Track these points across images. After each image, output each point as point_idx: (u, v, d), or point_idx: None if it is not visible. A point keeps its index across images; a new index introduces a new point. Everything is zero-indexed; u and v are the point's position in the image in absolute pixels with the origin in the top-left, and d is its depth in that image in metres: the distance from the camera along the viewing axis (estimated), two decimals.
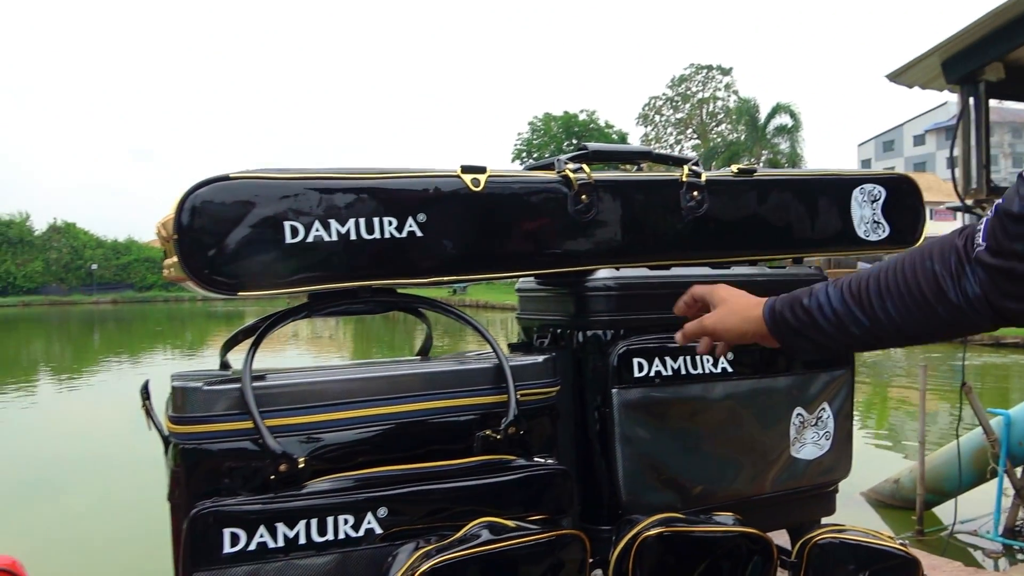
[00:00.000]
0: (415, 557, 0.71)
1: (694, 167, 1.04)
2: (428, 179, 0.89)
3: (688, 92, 36.37)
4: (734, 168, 1.08)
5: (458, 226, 0.90)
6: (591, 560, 0.91)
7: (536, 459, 0.85)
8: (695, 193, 1.03)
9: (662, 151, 1.09)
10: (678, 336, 0.86)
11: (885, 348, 0.77)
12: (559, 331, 1.03)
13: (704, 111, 36.33)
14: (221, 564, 0.71)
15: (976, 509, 3.95)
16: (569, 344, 1.01)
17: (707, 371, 1.00)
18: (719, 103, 35.89)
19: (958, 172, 2.63)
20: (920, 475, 3.84)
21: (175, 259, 0.80)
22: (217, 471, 0.75)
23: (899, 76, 2.73)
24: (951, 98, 2.72)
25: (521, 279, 1.14)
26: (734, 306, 0.80)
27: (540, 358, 0.90)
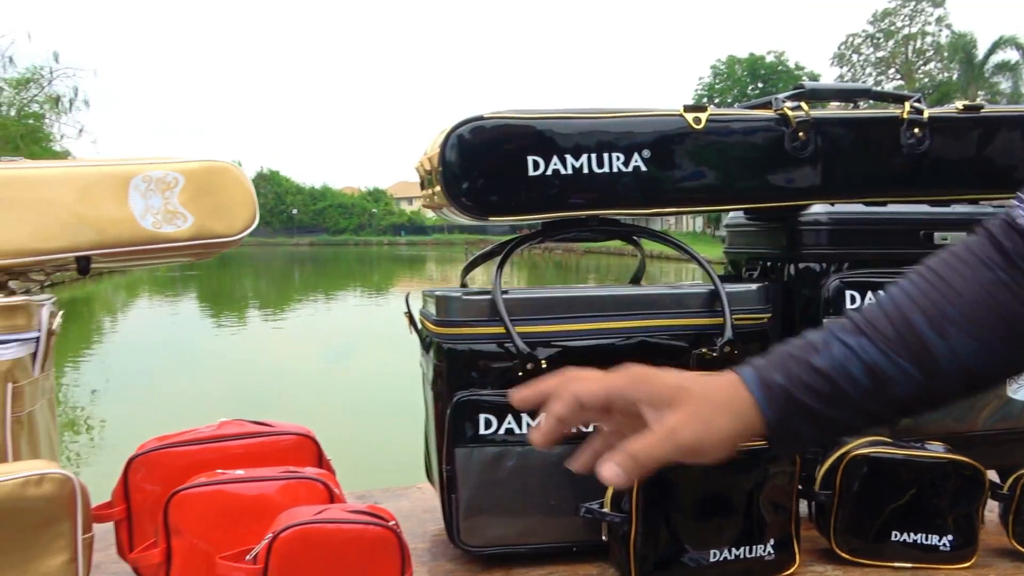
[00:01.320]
0: None
1: (916, 104, 1.04)
2: (653, 118, 0.97)
3: (892, 28, 33.22)
4: (959, 104, 1.06)
5: (679, 161, 0.97)
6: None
7: None
8: (916, 130, 1.03)
9: (881, 90, 1.09)
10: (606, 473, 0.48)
11: (937, 408, 0.53)
12: (768, 264, 1.08)
13: (910, 48, 33.09)
14: (477, 443, 0.86)
15: None
16: (780, 276, 1.06)
17: None
18: (928, 39, 32.52)
19: None
20: None
21: (438, 188, 0.94)
22: (472, 367, 0.89)
23: None
24: None
25: (730, 215, 1.20)
26: (707, 397, 0.49)
27: (753, 286, 0.97)
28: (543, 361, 0.87)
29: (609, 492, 0.81)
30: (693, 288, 0.96)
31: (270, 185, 49.37)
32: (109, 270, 1.10)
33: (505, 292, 0.92)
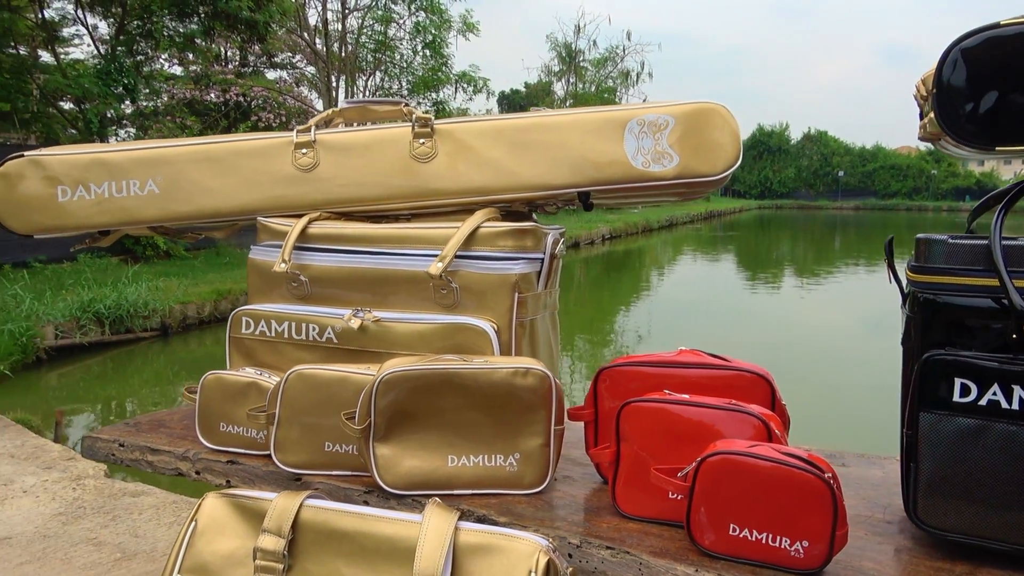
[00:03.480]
0: None
1: None
2: None
3: None
4: None
5: None
6: None
7: None
8: None
9: None
10: None
11: None
12: None
13: None
14: (948, 410, 0.73)
15: None
16: None
17: None
18: None
19: None
20: None
21: (931, 115, 0.81)
22: (953, 323, 0.76)
23: None
24: None
25: None
26: None
27: None
28: None
29: None
30: None
31: (816, 146, 47.86)
32: (608, 205, 1.23)
33: (1014, 239, 0.76)
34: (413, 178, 1.12)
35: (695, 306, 10.24)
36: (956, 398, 0.73)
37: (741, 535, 0.73)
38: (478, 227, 1.03)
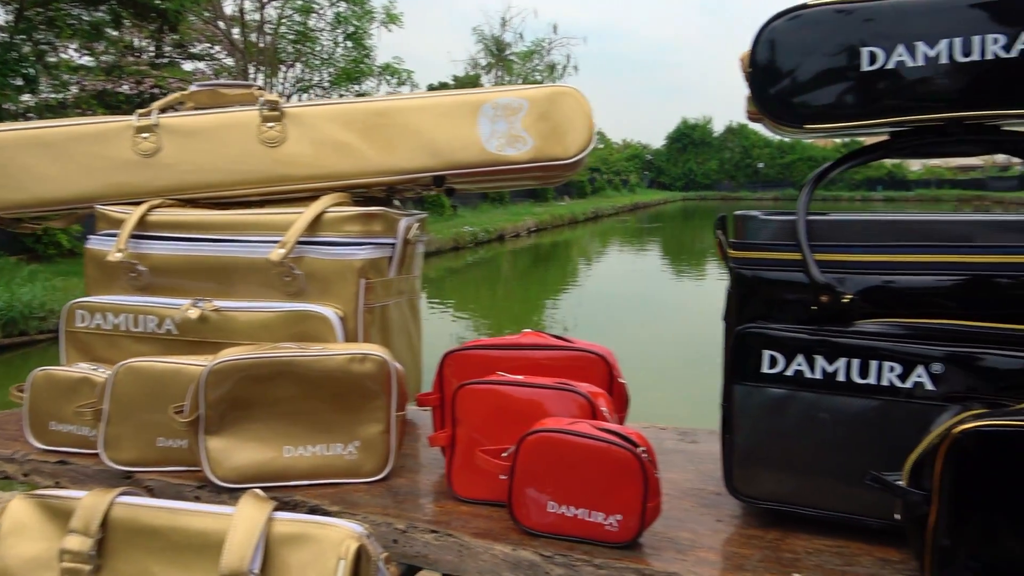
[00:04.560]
0: (963, 416, 0.62)
1: None
2: None
3: None
4: None
5: None
6: None
7: None
8: None
9: None
10: None
11: None
12: None
13: None
14: (758, 381, 0.75)
15: None
16: None
17: None
18: None
19: None
20: None
21: (748, 94, 0.83)
22: (766, 298, 0.78)
23: None
24: None
25: None
26: None
27: None
28: (847, 296, 0.72)
29: (910, 460, 0.64)
30: None
31: (738, 139, 49.19)
32: (465, 190, 1.22)
33: (821, 214, 0.78)
34: (262, 163, 1.09)
35: (621, 298, 10.39)
36: (765, 369, 0.75)
37: (560, 512, 0.73)
38: (323, 212, 1.01)
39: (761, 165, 47.62)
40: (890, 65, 0.75)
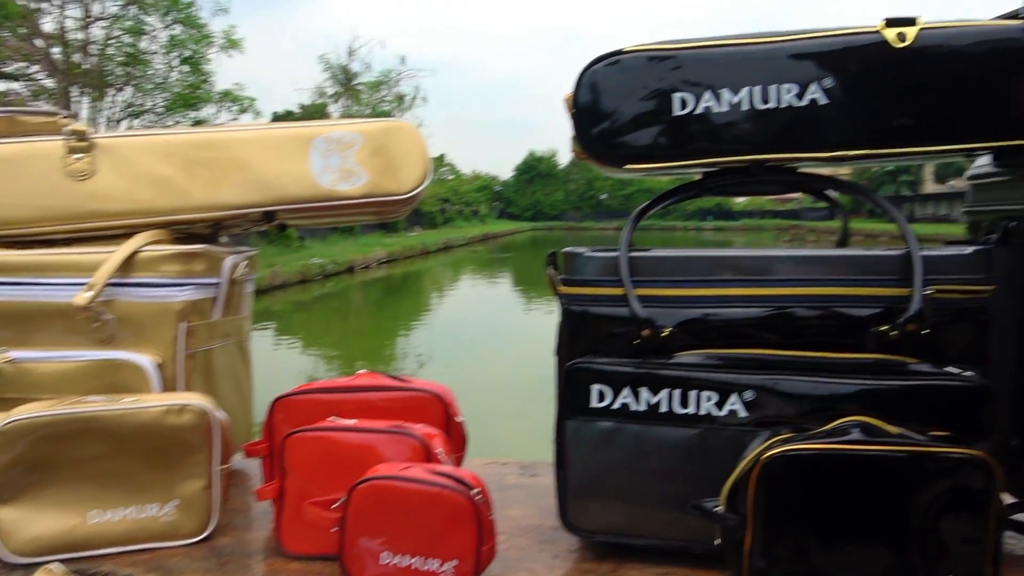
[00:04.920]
0: (772, 441, 0.66)
1: None
2: (836, 38, 0.78)
3: None
4: None
5: (873, 90, 0.77)
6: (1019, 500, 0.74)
7: (948, 369, 0.70)
8: None
9: None
10: None
11: None
12: (1013, 224, 0.82)
13: None
14: (588, 415, 0.76)
15: None
16: (1022, 239, 0.80)
17: None
18: None
19: None
20: None
21: (572, 134, 0.86)
22: (595, 332, 0.80)
23: None
24: None
25: (975, 164, 0.94)
26: None
27: (967, 250, 0.73)
28: (666, 329, 0.75)
29: (726, 486, 0.67)
30: (885, 251, 0.76)
31: (581, 171, 51.23)
32: (299, 225, 1.18)
33: (644, 250, 0.81)
34: (69, 198, 1.00)
35: (474, 328, 10.44)
36: (594, 404, 0.76)
37: (394, 562, 0.71)
38: (137, 251, 0.93)
39: (604, 196, 49.85)
40: (699, 110, 0.80)
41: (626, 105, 0.81)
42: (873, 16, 0.81)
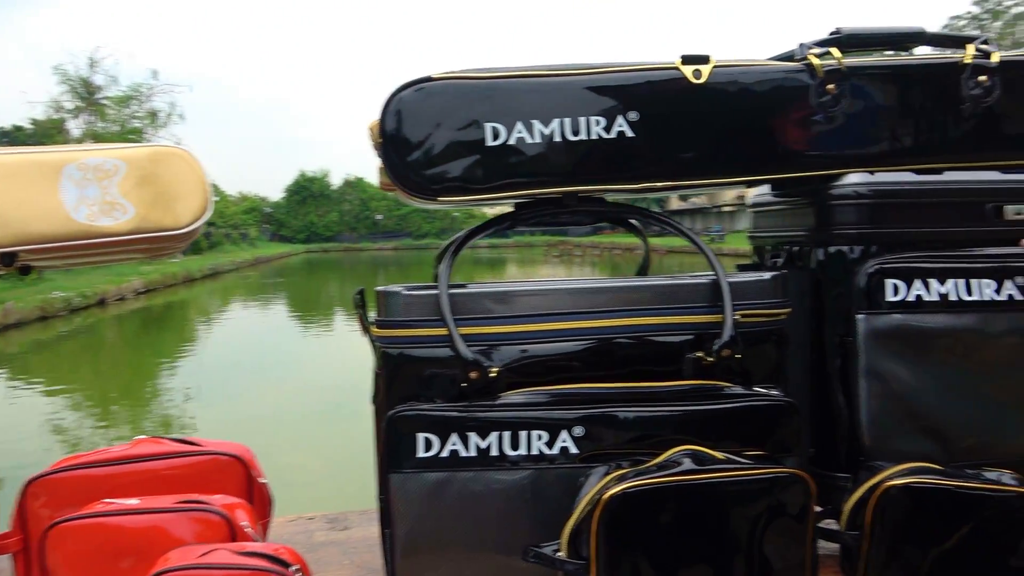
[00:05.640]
0: (608, 479, 0.64)
1: (982, 46, 0.83)
2: (639, 72, 0.80)
3: (999, 7, 31.16)
4: None
5: (675, 125, 0.80)
6: (822, 508, 0.79)
7: (757, 389, 0.74)
8: (982, 78, 0.82)
9: (937, 32, 0.88)
10: None
11: None
12: (796, 248, 0.89)
13: (1020, 28, 30.95)
14: (415, 468, 0.71)
15: None
16: (807, 263, 0.87)
17: (988, 298, 0.81)
18: None
19: None
20: None
21: (381, 165, 0.80)
22: (416, 376, 0.75)
23: None
24: None
25: (755, 192, 1.01)
26: None
27: (766, 276, 0.78)
28: (494, 369, 0.72)
29: (566, 530, 0.65)
30: (692, 279, 0.79)
31: (355, 192, 50.60)
32: (50, 267, 1.00)
33: (461, 286, 0.77)
34: None
35: (251, 358, 9.83)
36: (421, 454, 0.71)
37: None
38: None
39: (379, 217, 49.58)
40: (511, 141, 0.78)
41: (437, 134, 0.77)
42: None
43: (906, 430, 0.81)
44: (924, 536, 0.69)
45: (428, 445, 0.71)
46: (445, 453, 0.71)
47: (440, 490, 0.71)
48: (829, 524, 0.76)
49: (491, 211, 0.91)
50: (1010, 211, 0.83)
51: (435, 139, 0.77)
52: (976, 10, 31.74)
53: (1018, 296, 0.81)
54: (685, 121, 0.80)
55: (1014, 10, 30.87)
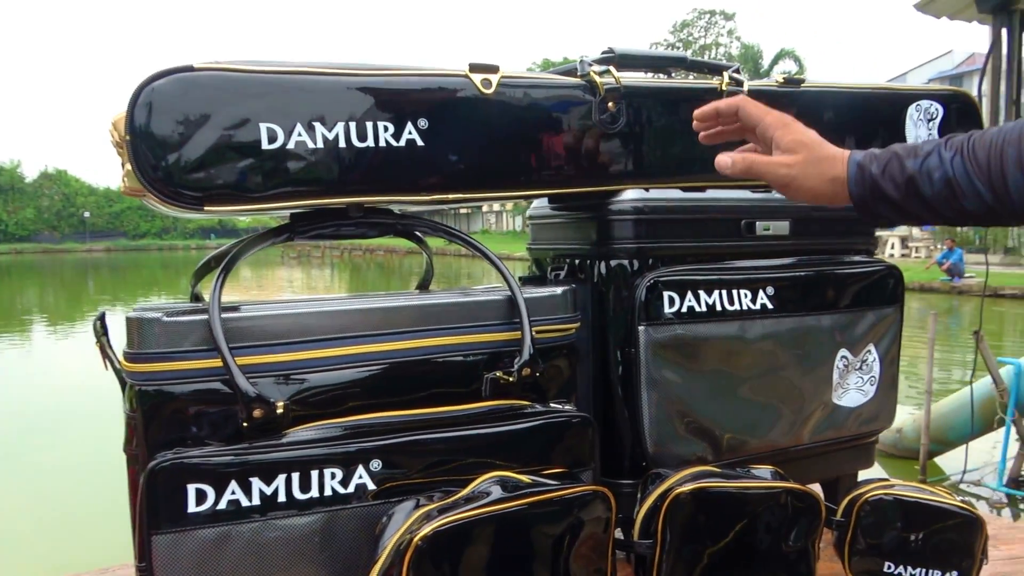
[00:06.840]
0: (414, 519, 0.59)
1: (735, 74, 0.91)
2: (431, 78, 0.75)
3: (690, 38, 35.67)
4: (779, 77, 0.95)
5: (465, 135, 0.77)
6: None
7: (553, 405, 0.74)
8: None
9: (698, 58, 0.95)
10: (720, 161, 0.69)
11: (993, 226, 0.65)
12: (577, 262, 0.91)
13: (706, 57, 35.76)
14: (185, 525, 0.60)
15: (978, 459, 3.92)
16: (589, 276, 0.89)
17: (746, 307, 0.88)
18: (721, 49, 35.24)
19: (986, 108, 2.49)
20: (925, 424, 3.78)
21: (128, 167, 0.67)
22: (181, 417, 0.64)
23: (928, 5, 2.56)
24: (956, 45, 2.60)
25: (533, 204, 1.02)
26: (817, 159, 0.64)
27: (558, 290, 0.78)
28: (280, 404, 0.63)
29: (377, 568, 0.59)
30: (487, 295, 0.76)
31: (57, 186, 44.56)
32: None
33: (233, 309, 0.67)
34: None
35: None
36: (192, 508, 0.60)
37: None
38: None
39: (87, 214, 44.14)
40: (291, 145, 0.70)
41: (201, 134, 0.67)
42: None
43: (681, 434, 0.86)
44: (710, 537, 0.73)
45: (201, 497, 0.60)
46: (223, 504, 0.61)
47: (219, 547, 0.61)
48: (617, 534, 0.78)
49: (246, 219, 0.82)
50: (760, 227, 0.92)
51: (199, 139, 0.66)
52: (672, 39, 36.06)
53: (769, 305, 0.89)
54: (474, 132, 0.77)
55: (701, 41, 35.54)
